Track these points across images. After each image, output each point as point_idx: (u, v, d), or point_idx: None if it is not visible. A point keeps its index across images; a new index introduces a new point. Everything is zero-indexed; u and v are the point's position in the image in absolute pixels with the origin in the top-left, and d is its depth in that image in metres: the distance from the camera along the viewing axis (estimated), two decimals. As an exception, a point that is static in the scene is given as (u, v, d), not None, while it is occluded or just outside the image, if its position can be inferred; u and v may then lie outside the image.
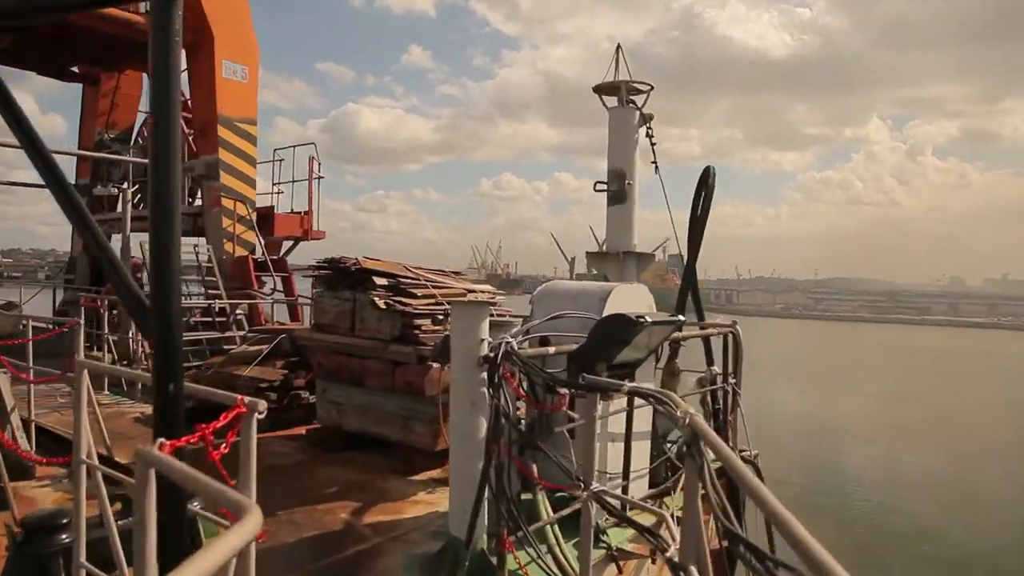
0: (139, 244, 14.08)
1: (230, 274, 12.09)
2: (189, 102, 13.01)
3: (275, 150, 14.23)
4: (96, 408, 6.99)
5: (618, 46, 7.45)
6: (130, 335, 10.15)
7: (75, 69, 15.96)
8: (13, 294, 18.35)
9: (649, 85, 7.27)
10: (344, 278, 7.16)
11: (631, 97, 7.31)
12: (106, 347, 11.30)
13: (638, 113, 7.21)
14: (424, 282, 7.09)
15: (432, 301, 6.88)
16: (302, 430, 8.26)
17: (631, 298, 5.36)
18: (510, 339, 4.14)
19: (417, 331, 6.53)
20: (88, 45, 13.48)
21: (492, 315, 4.58)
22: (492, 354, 4.06)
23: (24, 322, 15.49)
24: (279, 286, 12.66)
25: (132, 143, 16.01)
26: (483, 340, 4.26)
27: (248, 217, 12.42)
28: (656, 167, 7.28)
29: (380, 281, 6.88)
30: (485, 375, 4.17)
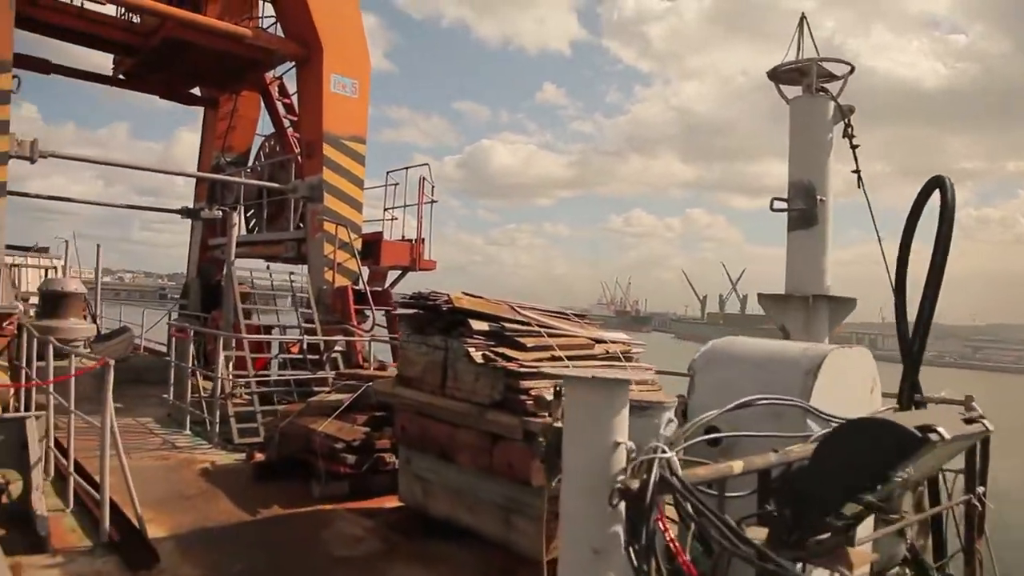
0: (263, 268, 13.40)
1: (329, 306, 10.90)
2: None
3: (387, 172, 13.11)
4: (121, 458, 5.75)
5: (802, 17, 5.55)
6: (220, 368, 9.06)
7: (196, 92, 15.65)
8: (137, 316, 18.33)
9: (848, 65, 5.31)
10: (435, 319, 5.58)
11: (822, 84, 5.37)
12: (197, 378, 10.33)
13: (833, 104, 5.25)
14: (536, 328, 5.39)
15: (547, 355, 5.17)
16: (384, 502, 6.74)
17: (852, 370, 3.42)
18: (665, 450, 2.34)
19: (524, 396, 4.82)
20: (202, 63, 12.95)
21: (632, 388, 2.79)
22: (637, 481, 2.28)
23: (134, 347, 15.22)
24: (382, 321, 11.36)
25: (249, 166, 15.47)
26: (618, 445, 2.50)
27: (351, 243, 11.23)
28: (860, 179, 5.26)
29: (479, 326, 5.24)
30: (622, 509, 2.40)
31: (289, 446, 7.37)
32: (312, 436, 6.99)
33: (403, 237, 12.59)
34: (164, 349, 13.33)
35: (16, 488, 5.76)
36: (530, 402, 4.82)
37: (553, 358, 5.20)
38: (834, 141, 5.25)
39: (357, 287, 10.99)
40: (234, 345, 9.74)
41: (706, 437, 2.74)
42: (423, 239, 12.07)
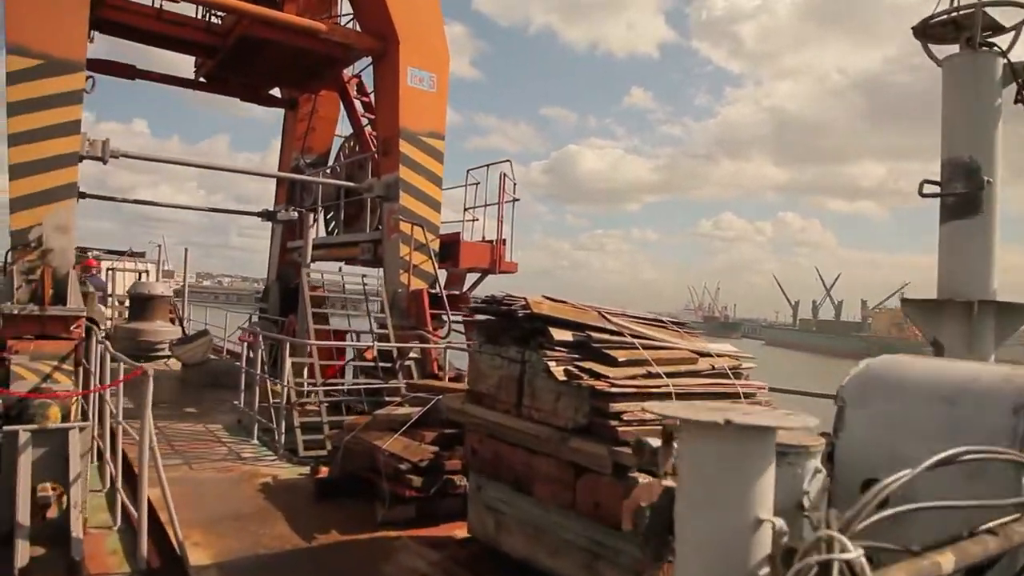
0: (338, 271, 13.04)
1: (404, 310, 10.33)
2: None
3: (468, 170, 12.47)
4: (160, 476, 5.23)
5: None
6: (286, 375, 8.58)
7: (276, 94, 15.50)
8: (223, 319, 18.41)
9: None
10: (510, 327, 4.82)
11: (985, 38, 4.32)
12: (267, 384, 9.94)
13: (1002, 62, 4.20)
14: (629, 339, 4.55)
15: (642, 372, 4.32)
16: (453, 530, 6.03)
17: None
18: (846, 545, 1.48)
19: (615, 422, 3.99)
20: (279, 62, 12.68)
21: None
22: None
23: (215, 350, 15.14)
24: (460, 326, 10.70)
25: (328, 167, 15.21)
26: (760, 523, 1.67)
27: (428, 244, 10.64)
28: (1039, 154, 4.19)
29: (561, 335, 4.44)
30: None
31: (353, 462, 6.76)
32: (376, 454, 6.36)
33: (483, 238, 11.93)
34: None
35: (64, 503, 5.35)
36: (622, 429, 3.99)
37: (649, 375, 4.35)
38: (1003, 109, 4.20)
39: (433, 290, 10.39)
40: (308, 351, 9.25)
41: (888, 512, 1.85)
42: (504, 240, 11.36)
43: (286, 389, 8.29)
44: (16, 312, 7.82)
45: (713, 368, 4.84)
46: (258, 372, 9.22)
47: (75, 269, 8.79)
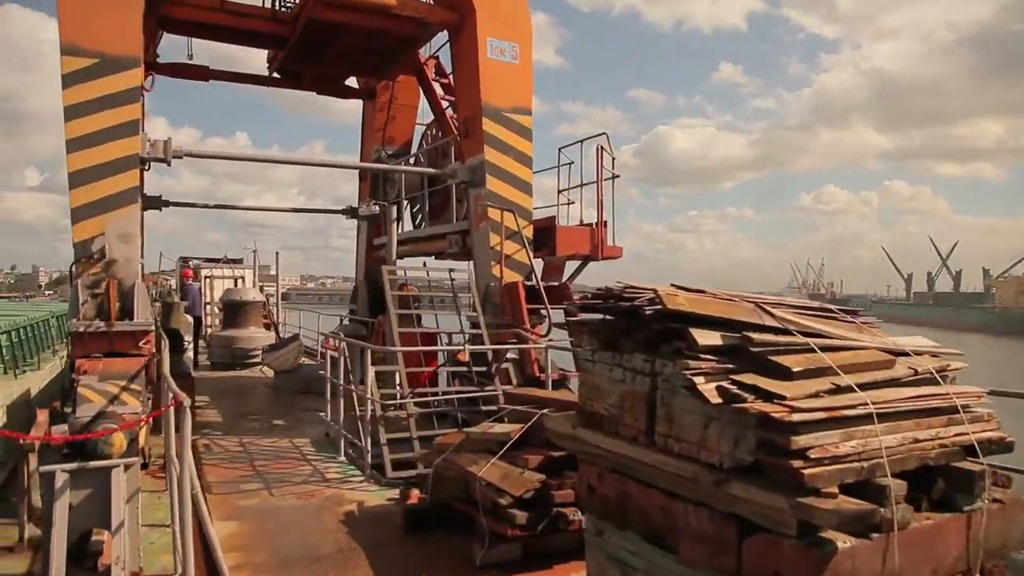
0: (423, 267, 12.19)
1: (497, 306, 9.30)
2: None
3: (559, 148, 11.29)
4: (204, 519, 4.33)
5: None
6: (369, 386, 7.68)
7: (353, 85, 14.77)
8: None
9: None
10: (633, 328, 3.65)
11: None
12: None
13: None
14: (801, 339, 3.29)
15: (825, 384, 3.07)
16: (568, 574, 4.95)
17: None
18: None
19: (798, 461, 2.77)
20: (351, 47, 11.87)
21: None
22: None
23: (303, 356, 14.61)
24: (561, 321, 9.55)
25: (411, 155, 14.38)
26: None
27: (521, 231, 9.54)
28: None
29: (706, 338, 3.23)
30: None
31: (445, 490, 5.77)
32: (471, 482, 5.32)
33: (580, 222, 10.74)
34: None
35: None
36: (809, 470, 2.77)
37: (837, 388, 3.10)
38: None
39: (529, 283, 9.30)
40: (400, 357, 8.29)
41: None
42: (605, 221, 10.14)
43: (370, 401, 7.39)
44: (82, 330, 7.23)
45: (916, 373, 3.52)
46: (342, 382, 8.39)
47: (147, 280, 8.18)
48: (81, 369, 7.18)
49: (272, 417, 10.67)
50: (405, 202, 13.66)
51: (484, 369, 8.30)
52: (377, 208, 11.78)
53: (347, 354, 8.96)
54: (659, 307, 3.35)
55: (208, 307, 21.45)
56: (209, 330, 19.23)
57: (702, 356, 3.25)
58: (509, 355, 8.75)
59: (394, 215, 11.01)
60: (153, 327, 7.54)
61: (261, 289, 22.69)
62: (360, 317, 14.22)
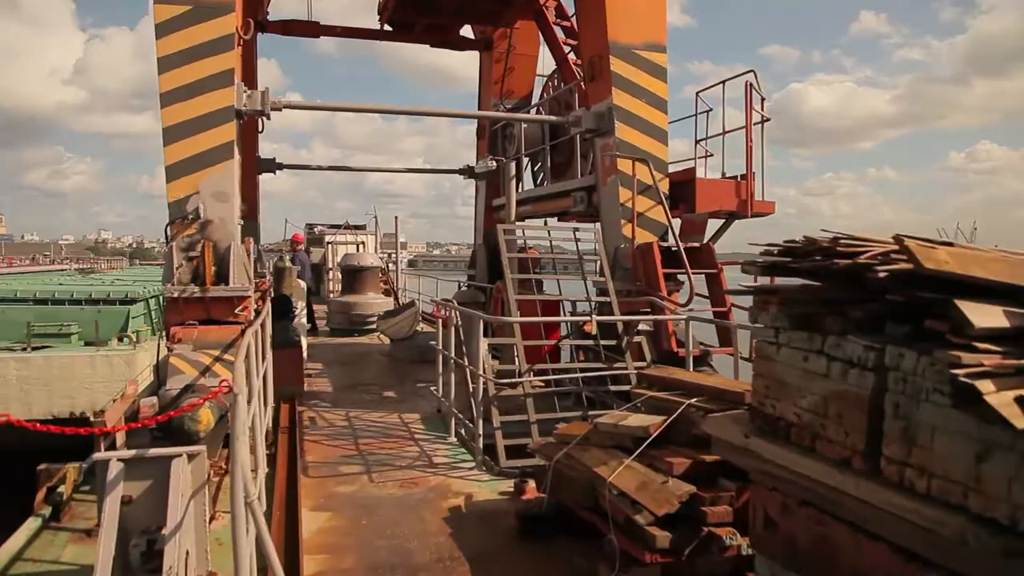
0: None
1: (629, 271, 8.12)
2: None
3: (697, 93, 9.90)
4: (261, 531, 3.48)
5: None
6: (480, 360, 6.75)
7: (468, 36, 13.81)
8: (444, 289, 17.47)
9: None
10: (850, 298, 2.44)
11: None
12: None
13: None
14: None
15: None
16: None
17: None
18: None
19: None
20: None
21: None
22: None
23: (419, 324, 13.99)
24: (702, 289, 8.25)
25: (533, 105, 13.31)
26: None
27: (657, 184, 8.28)
28: None
29: (984, 317, 2.00)
30: None
31: (567, 491, 4.75)
32: (600, 488, 4.27)
33: (723, 174, 9.32)
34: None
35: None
36: None
37: None
38: None
39: (666, 243, 8.05)
40: (518, 328, 7.32)
41: None
42: (754, 172, 8.68)
43: (481, 379, 6.46)
44: (176, 295, 6.71)
45: None
46: (452, 355, 7.53)
47: (248, 242, 7.60)
48: (175, 337, 6.68)
49: (383, 388, 10.04)
50: (525, 159, 12.66)
51: (613, 343, 7.18)
52: (494, 164, 10.83)
53: (459, 323, 8.10)
54: (903, 266, 2.12)
55: (329, 272, 21.45)
56: (332, 295, 19.15)
57: (977, 345, 2.01)
58: (642, 327, 7.59)
59: (512, 172, 9.98)
60: (249, 293, 6.93)
61: (390, 256, 22.52)
62: (478, 283, 13.43)
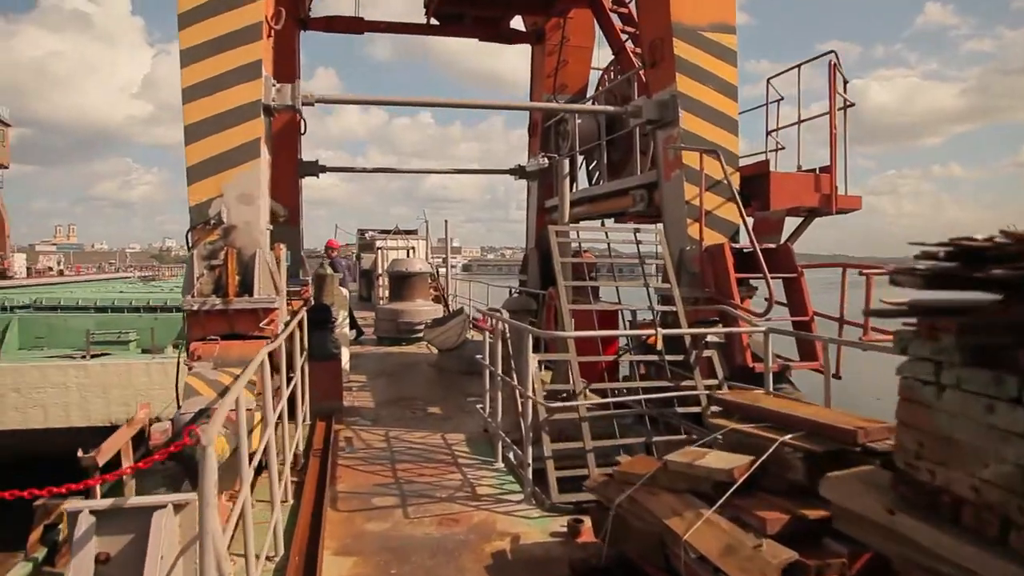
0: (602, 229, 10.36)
1: (696, 276, 7.27)
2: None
3: (768, 79, 8.97)
4: None
5: None
6: (529, 378, 5.98)
7: (519, 28, 13.09)
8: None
9: None
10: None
11: None
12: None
13: None
14: None
15: None
16: None
17: None
18: None
19: None
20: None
21: None
22: None
23: (468, 333, 13.29)
24: (780, 295, 7.33)
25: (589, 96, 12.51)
26: None
27: (728, 178, 7.41)
28: None
29: None
30: None
31: (630, 543, 3.95)
32: (672, 546, 3.47)
33: (799, 167, 8.37)
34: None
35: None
36: None
37: None
38: None
39: (737, 245, 7.17)
40: (572, 344, 6.55)
41: None
42: (835, 165, 7.72)
43: (529, 399, 5.70)
44: (196, 308, 6.15)
45: None
46: (500, 370, 6.80)
47: (278, 249, 7.02)
48: (195, 354, 6.11)
49: (428, 403, 9.38)
50: (580, 158, 11.87)
51: (680, 358, 6.33)
52: (546, 161, 10.08)
53: (508, 334, 7.37)
54: None
55: (379, 278, 21.01)
56: (382, 302, 18.67)
57: None
58: (712, 339, 6.72)
59: (566, 170, 9.21)
60: (276, 304, 6.32)
61: (444, 261, 21.99)
62: (530, 289, 12.69)
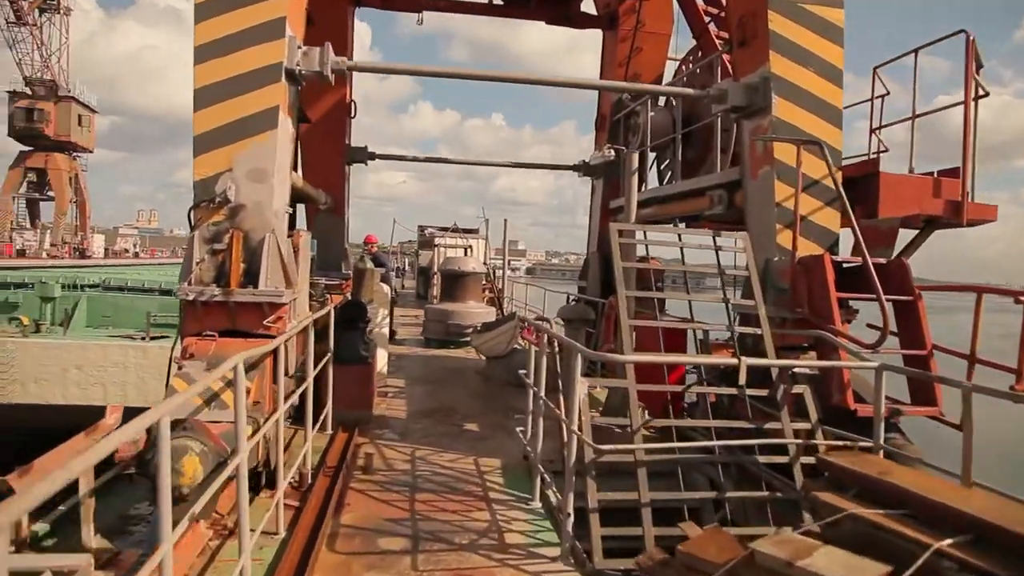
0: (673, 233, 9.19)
1: (787, 292, 6.07)
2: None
3: (874, 68, 7.69)
4: None
5: None
6: (575, 406, 4.90)
7: (591, 11, 12.00)
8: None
9: None
10: None
11: None
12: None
13: None
14: None
15: None
16: None
17: None
18: None
19: None
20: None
21: None
22: None
23: (517, 343, 12.23)
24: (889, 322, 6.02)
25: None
26: None
27: (834, 176, 6.19)
28: None
29: None
30: None
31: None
32: None
33: (911, 169, 7.06)
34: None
35: None
36: None
37: None
38: None
39: (840, 259, 5.94)
40: (631, 369, 5.47)
41: None
42: (967, 168, 6.38)
43: (573, 434, 4.61)
44: (192, 298, 5.28)
45: None
46: (543, 392, 5.73)
47: (297, 236, 6.14)
48: (187, 352, 5.25)
49: (467, 417, 8.39)
50: (651, 156, 10.72)
51: (763, 394, 5.14)
52: (612, 153, 8.97)
53: (556, 349, 6.32)
54: None
55: (435, 277, 20.21)
56: (435, 300, 17.83)
57: None
58: (801, 369, 5.51)
59: (635, 164, 8.07)
60: (284, 299, 5.41)
61: (509, 263, 21.04)
62: (589, 296, 11.58)
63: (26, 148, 55.86)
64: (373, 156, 11.18)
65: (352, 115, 10.99)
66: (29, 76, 54.35)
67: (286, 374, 5.77)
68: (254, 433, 4.57)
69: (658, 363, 5.89)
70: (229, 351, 5.24)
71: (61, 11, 56.92)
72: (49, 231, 55.82)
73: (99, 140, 64.76)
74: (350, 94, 10.97)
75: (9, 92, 54.18)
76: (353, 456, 6.58)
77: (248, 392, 4.98)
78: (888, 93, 7.99)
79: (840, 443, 4.72)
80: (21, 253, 46.80)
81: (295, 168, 8.14)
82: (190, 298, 5.27)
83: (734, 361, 4.27)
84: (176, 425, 4.60)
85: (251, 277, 5.39)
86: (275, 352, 5.08)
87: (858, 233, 5.46)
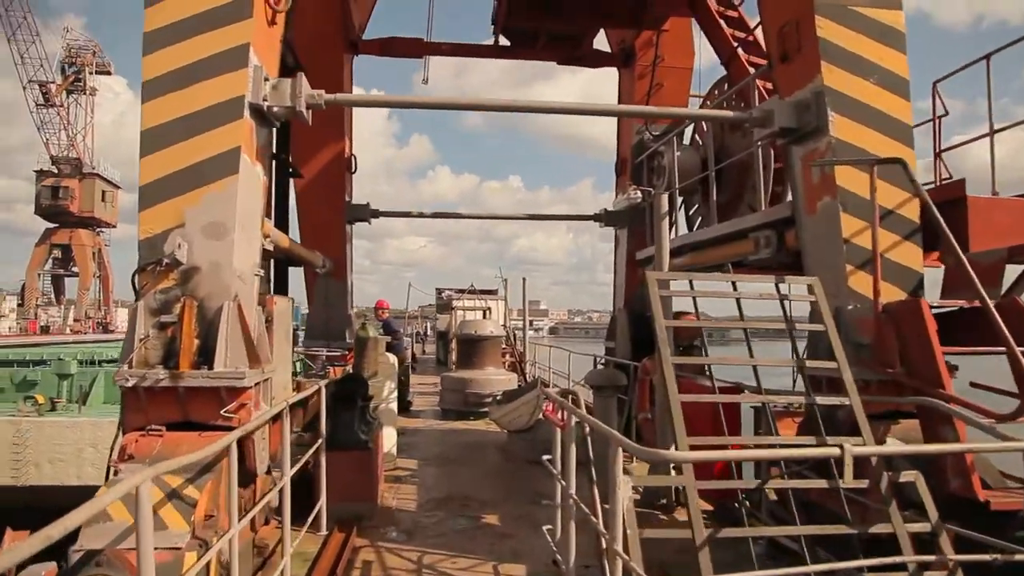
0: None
1: (869, 348, 4.91)
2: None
3: (934, 83, 6.77)
4: None
5: None
6: (617, 494, 3.74)
7: (602, 49, 11.21)
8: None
9: None
10: None
11: None
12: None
13: None
14: None
15: None
16: None
17: None
18: None
19: None
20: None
21: None
22: None
23: (541, 414, 11.04)
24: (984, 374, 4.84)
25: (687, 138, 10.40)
26: None
27: (907, 207, 5.11)
28: None
29: None
30: None
31: None
32: None
33: (994, 192, 5.96)
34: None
35: None
36: None
37: None
38: None
39: (936, 304, 4.80)
40: (683, 461, 4.31)
41: None
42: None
43: (619, 558, 3.43)
44: (134, 383, 4.25)
45: None
46: (572, 488, 4.57)
47: (271, 302, 5.14)
48: (125, 452, 4.20)
49: (486, 506, 7.21)
50: (679, 199, 9.72)
51: (864, 485, 3.94)
52: (638, 195, 7.96)
53: (586, 429, 5.18)
54: None
55: (452, 342, 19.18)
56: (453, 367, 16.74)
57: None
58: (898, 446, 4.31)
59: (665, 206, 7.05)
60: (247, 383, 4.36)
61: (531, 324, 19.99)
62: (619, 358, 10.44)
63: (51, 225, 56.47)
64: (376, 214, 10.29)
65: (352, 170, 10.16)
66: (56, 155, 55.30)
67: (255, 474, 4.69)
68: (199, 559, 3.48)
69: (726, 459, 4.66)
70: (180, 450, 4.18)
71: (87, 91, 58.22)
72: (73, 306, 55.86)
73: (123, 215, 65.45)
74: (350, 148, 10.17)
75: (37, 171, 55.12)
76: (348, 567, 5.42)
77: (195, 505, 3.90)
78: (947, 113, 7.04)
79: (982, 555, 3.50)
80: (45, 330, 46.64)
81: (284, 227, 7.20)
82: (130, 384, 4.23)
83: (835, 451, 3.11)
84: (91, 558, 3.52)
85: (206, 355, 4.35)
86: (241, 447, 4.02)
87: (968, 267, 4.30)
